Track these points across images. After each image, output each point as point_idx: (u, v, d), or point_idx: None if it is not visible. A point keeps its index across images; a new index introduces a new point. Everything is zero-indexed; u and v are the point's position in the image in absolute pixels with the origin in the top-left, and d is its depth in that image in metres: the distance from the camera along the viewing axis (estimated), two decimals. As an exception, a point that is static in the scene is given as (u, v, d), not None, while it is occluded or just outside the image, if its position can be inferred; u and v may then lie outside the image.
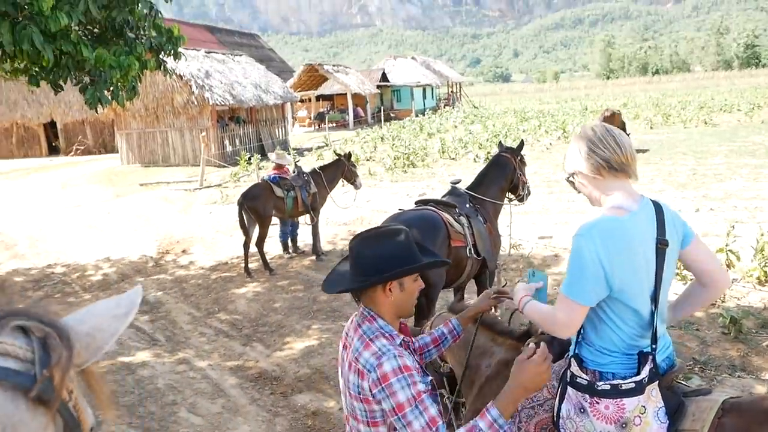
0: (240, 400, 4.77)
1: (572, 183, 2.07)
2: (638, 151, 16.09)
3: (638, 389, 1.90)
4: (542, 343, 1.88)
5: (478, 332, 2.59)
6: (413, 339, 2.24)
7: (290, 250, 8.78)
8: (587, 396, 1.96)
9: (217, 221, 11.22)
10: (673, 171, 12.91)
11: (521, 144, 5.58)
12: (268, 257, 8.51)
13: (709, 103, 32.56)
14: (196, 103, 20.03)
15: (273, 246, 9.38)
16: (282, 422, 4.42)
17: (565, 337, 2.00)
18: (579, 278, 1.86)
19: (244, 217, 7.87)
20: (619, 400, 1.90)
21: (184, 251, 9.64)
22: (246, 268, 7.94)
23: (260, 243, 7.99)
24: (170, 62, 8.93)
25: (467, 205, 5.00)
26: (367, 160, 18.43)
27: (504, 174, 5.36)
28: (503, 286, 2.74)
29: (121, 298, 1.07)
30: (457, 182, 5.34)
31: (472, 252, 4.79)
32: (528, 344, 2.27)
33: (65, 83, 6.52)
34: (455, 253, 4.67)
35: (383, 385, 1.76)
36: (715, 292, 2.15)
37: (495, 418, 1.75)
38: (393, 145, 20.65)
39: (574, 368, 2.03)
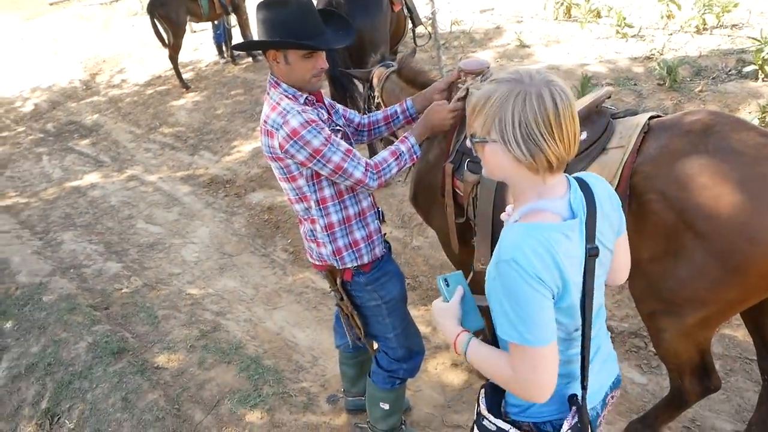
0: (195, 206, 4.87)
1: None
2: None
3: None
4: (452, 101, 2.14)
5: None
6: (367, 115, 2.33)
7: (225, 54, 8.30)
8: None
9: (143, 34, 10.36)
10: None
11: None
12: (202, 64, 8.11)
13: None
14: None
15: (207, 52, 8.87)
16: (239, 220, 4.57)
17: (543, 400, 1.29)
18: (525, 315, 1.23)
19: (158, 26, 7.27)
20: None
21: (120, 71, 9.07)
22: (180, 80, 7.54)
23: (173, 54, 7.45)
24: None
25: None
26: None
27: None
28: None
29: None
30: None
31: (406, 10, 4.90)
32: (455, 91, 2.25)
33: None
34: (397, 15, 4.76)
35: (295, 139, 1.86)
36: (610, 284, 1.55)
37: (412, 144, 2.10)
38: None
39: (486, 414, 1.44)
